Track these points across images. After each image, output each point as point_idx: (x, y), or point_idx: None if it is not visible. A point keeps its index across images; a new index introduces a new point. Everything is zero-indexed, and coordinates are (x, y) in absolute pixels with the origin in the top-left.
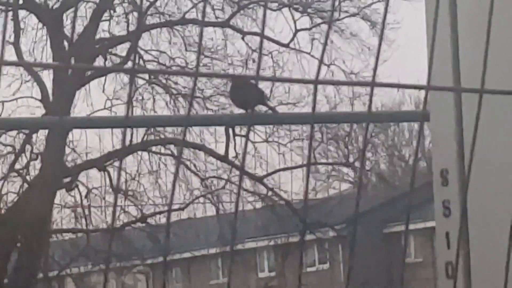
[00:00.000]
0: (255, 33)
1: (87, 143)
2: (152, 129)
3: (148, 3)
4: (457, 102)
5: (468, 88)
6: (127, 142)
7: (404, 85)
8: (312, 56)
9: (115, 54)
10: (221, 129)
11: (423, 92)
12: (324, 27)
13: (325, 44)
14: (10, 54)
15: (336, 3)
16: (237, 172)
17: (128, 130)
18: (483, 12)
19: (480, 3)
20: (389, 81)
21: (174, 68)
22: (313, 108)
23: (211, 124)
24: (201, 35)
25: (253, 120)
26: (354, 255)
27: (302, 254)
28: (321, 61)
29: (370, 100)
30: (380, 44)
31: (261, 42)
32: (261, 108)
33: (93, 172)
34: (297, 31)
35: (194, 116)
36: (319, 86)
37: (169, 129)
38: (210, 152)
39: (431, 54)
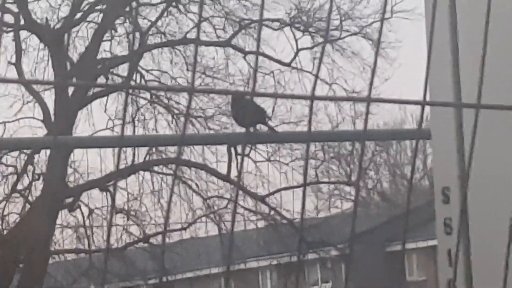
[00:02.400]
0: (258, 53)
1: (88, 163)
2: (154, 149)
3: (149, 23)
4: (458, 118)
5: (465, 103)
6: (129, 162)
7: (400, 100)
8: (314, 75)
9: (117, 74)
10: (223, 149)
11: (425, 111)
12: (327, 46)
13: (321, 59)
14: (11, 75)
15: (337, 22)
16: (240, 192)
17: (131, 150)
18: (483, 28)
19: (480, 18)
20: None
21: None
22: (309, 125)
23: (207, 143)
24: (196, 51)
25: (248, 139)
26: (351, 272)
27: (299, 274)
28: (316, 76)
29: (366, 118)
30: (375, 60)
31: (257, 58)
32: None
33: (95, 192)
34: (298, 50)
35: (189, 135)
36: (321, 105)
37: (171, 149)
38: (212, 172)
39: (427, 69)
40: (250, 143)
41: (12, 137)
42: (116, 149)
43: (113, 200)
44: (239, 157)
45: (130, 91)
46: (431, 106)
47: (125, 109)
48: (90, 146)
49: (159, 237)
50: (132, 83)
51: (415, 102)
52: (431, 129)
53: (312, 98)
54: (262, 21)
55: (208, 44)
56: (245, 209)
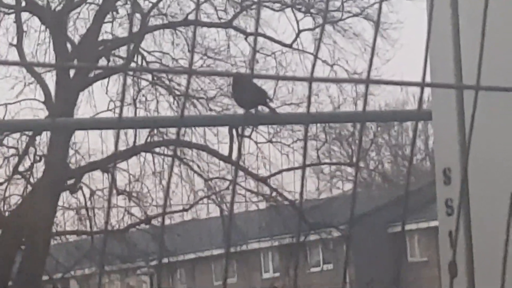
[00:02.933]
0: (258, 34)
1: (89, 144)
2: (155, 131)
3: (150, 5)
4: (459, 100)
5: (464, 85)
6: (131, 144)
7: (400, 82)
8: (315, 56)
9: (119, 56)
10: (224, 130)
11: (427, 91)
12: (328, 27)
13: (320, 39)
14: (13, 56)
15: (339, 3)
16: (241, 173)
17: (132, 132)
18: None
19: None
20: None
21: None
22: (308, 107)
23: (207, 125)
24: (194, 33)
25: (248, 121)
26: (352, 253)
27: (299, 257)
28: (316, 57)
29: (365, 99)
30: (374, 41)
31: (255, 39)
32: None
33: (97, 173)
34: (300, 31)
35: (189, 117)
36: (323, 87)
37: (173, 130)
38: (214, 153)
39: (426, 51)
40: (250, 125)
41: (13, 119)
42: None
43: (113, 180)
44: (240, 138)
45: (131, 72)
46: (431, 88)
47: (123, 92)
48: (90, 128)
49: (161, 218)
50: (133, 64)
51: (415, 84)
52: (432, 110)
53: (311, 79)
54: (263, 2)
55: (209, 25)
56: (247, 190)
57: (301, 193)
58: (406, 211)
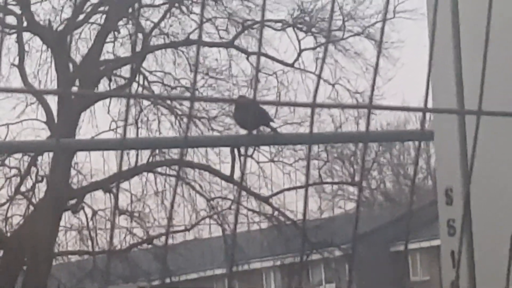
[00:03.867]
0: (260, 54)
1: (91, 164)
2: (157, 150)
3: (152, 24)
4: (461, 122)
5: (466, 110)
6: (133, 164)
7: (401, 107)
8: (317, 75)
9: (120, 76)
10: (226, 149)
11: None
12: (329, 46)
13: (323, 59)
14: (15, 77)
15: (340, 23)
16: (244, 193)
17: (134, 151)
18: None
19: (483, 23)
20: (393, 100)
21: (179, 89)
22: (311, 129)
23: (210, 145)
24: (197, 54)
25: (251, 141)
26: (355, 272)
27: (302, 274)
28: (319, 77)
29: (368, 122)
30: (377, 64)
31: (258, 59)
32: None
33: (99, 194)
34: (301, 50)
35: (192, 137)
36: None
37: (175, 150)
38: (216, 173)
39: (428, 76)
40: (253, 145)
41: (15, 140)
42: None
43: (116, 200)
44: (242, 158)
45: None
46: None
47: (127, 114)
48: (93, 149)
49: (163, 238)
50: (135, 84)
51: (417, 109)
52: (434, 131)
53: (314, 105)
54: (265, 21)
55: (211, 45)
56: (249, 210)
57: (304, 213)
58: (409, 230)
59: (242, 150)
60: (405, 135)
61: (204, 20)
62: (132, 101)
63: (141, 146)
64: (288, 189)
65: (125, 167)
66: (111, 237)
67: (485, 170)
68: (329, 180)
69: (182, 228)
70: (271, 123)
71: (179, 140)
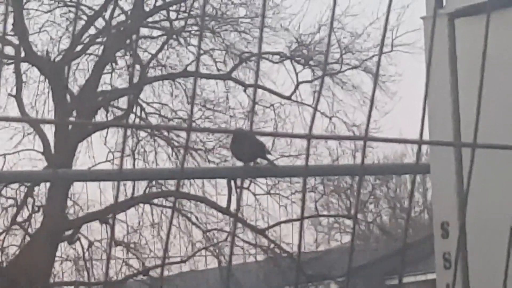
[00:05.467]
0: (257, 86)
1: (88, 195)
2: (154, 182)
3: (150, 56)
4: (457, 155)
5: (462, 143)
6: (129, 195)
7: (397, 139)
8: (314, 108)
9: (117, 107)
10: (223, 181)
11: (424, 145)
12: (327, 79)
13: (320, 91)
14: (12, 107)
15: (338, 56)
16: (240, 225)
17: (130, 183)
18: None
19: (479, 55)
20: (390, 133)
21: (176, 120)
22: (306, 162)
23: (207, 177)
24: (194, 87)
25: (247, 173)
26: None
27: None
28: (315, 111)
29: (363, 154)
30: (372, 97)
31: (255, 91)
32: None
33: (95, 224)
34: (298, 83)
35: (189, 169)
36: (321, 139)
37: (171, 181)
38: (212, 205)
39: (423, 109)
40: (249, 177)
41: (12, 170)
42: (116, 182)
43: (112, 231)
44: (239, 190)
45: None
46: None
47: (124, 145)
48: (90, 179)
49: (159, 270)
50: (132, 115)
51: (412, 142)
52: (430, 165)
53: (310, 137)
54: (262, 54)
55: (208, 77)
56: (245, 242)
57: (299, 245)
58: (404, 263)
59: (239, 182)
60: (402, 168)
61: (202, 52)
62: (129, 132)
63: (138, 177)
64: (284, 222)
65: (121, 198)
66: (107, 268)
67: (481, 203)
68: (325, 213)
69: (178, 259)
70: (268, 156)
71: (175, 171)
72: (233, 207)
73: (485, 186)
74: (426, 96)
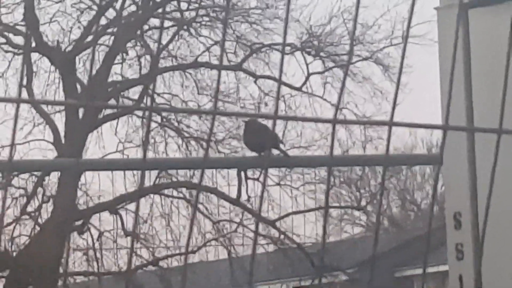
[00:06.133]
0: (267, 77)
1: (99, 186)
2: (164, 172)
3: (160, 46)
4: (471, 145)
5: (485, 128)
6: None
7: (422, 124)
8: (325, 99)
9: (128, 97)
10: (233, 173)
11: (435, 136)
12: (337, 70)
13: (343, 85)
14: (22, 97)
15: (348, 47)
16: (249, 216)
17: (140, 173)
18: (496, 53)
19: (493, 43)
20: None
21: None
22: (331, 150)
23: (229, 167)
24: (218, 79)
25: (270, 163)
26: None
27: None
28: (340, 97)
29: (388, 142)
30: (398, 86)
31: (280, 84)
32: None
33: (105, 215)
34: (309, 74)
35: (211, 158)
36: (331, 130)
37: (181, 172)
38: (222, 196)
39: (449, 93)
40: (271, 167)
41: (36, 159)
42: (127, 173)
43: (136, 219)
44: (249, 181)
45: (140, 114)
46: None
47: (148, 131)
48: (115, 168)
49: (168, 260)
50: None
51: (438, 127)
52: (444, 156)
53: (335, 121)
54: (272, 45)
55: (219, 67)
56: (254, 232)
57: (324, 233)
58: (426, 253)
59: (248, 173)
60: (425, 159)
61: (212, 43)
62: (139, 123)
63: (161, 166)
64: (295, 213)
65: (132, 189)
66: (130, 259)
67: (494, 192)
68: (335, 204)
69: (188, 250)
70: (281, 146)
71: (199, 160)
72: (243, 198)
73: (498, 175)
74: (446, 83)
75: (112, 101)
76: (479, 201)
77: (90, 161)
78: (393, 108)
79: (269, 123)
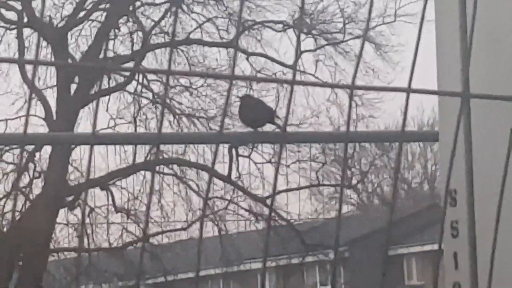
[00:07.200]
0: (259, 54)
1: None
2: (155, 148)
3: (152, 23)
4: (467, 119)
5: (472, 94)
6: (131, 161)
7: (441, 92)
8: (316, 77)
9: (120, 74)
10: (224, 150)
11: (426, 115)
12: (329, 48)
13: (360, 54)
14: (14, 72)
15: (341, 25)
16: (240, 193)
17: (132, 149)
18: (493, 24)
19: (491, 12)
20: (392, 103)
21: (178, 88)
22: (348, 125)
23: (241, 143)
24: (234, 56)
25: (285, 138)
26: (350, 275)
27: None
28: (358, 62)
29: (406, 110)
30: (416, 51)
31: (298, 39)
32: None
33: (96, 191)
34: (301, 52)
35: (228, 133)
36: (323, 108)
37: (171, 148)
38: (213, 173)
39: (414, 58)
40: (283, 143)
41: (48, 132)
42: (118, 149)
43: (151, 190)
44: (240, 159)
45: (132, 91)
46: (439, 106)
47: (165, 98)
48: (128, 143)
49: (159, 237)
50: (134, 82)
51: (401, 90)
52: (439, 130)
53: (353, 87)
54: (265, 22)
55: (211, 44)
56: (245, 210)
57: (339, 209)
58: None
59: (240, 150)
60: (436, 135)
61: (204, 19)
62: (130, 99)
63: (176, 141)
64: (286, 191)
65: (123, 165)
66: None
67: (490, 168)
68: (326, 182)
69: (179, 227)
70: (277, 121)
71: (214, 135)
72: (234, 175)
73: (493, 150)
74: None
75: (104, 78)
76: (475, 179)
77: (102, 135)
78: (411, 74)
79: (287, 89)
